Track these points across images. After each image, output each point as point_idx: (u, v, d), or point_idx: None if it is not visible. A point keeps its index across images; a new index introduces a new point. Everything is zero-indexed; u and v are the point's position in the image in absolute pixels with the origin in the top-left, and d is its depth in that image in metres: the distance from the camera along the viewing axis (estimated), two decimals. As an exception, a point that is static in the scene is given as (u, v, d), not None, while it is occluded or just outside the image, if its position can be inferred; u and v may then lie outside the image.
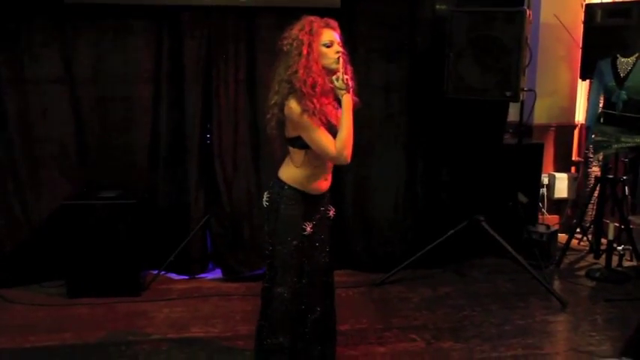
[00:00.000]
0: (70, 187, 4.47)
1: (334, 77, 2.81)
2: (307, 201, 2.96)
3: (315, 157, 2.87)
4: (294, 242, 2.92)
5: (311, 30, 2.81)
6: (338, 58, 2.83)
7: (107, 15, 4.38)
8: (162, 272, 4.57)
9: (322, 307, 3.10)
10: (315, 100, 2.74)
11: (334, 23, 2.90)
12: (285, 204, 2.91)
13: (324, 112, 2.81)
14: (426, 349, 3.63)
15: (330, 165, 2.98)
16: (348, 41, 4.41)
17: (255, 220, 4.63)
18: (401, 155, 4.81)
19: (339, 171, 4.66)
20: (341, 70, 2.80)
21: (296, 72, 2.76)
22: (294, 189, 2.92)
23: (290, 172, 2.93)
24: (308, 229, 2.97)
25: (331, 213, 3.12)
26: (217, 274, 4.71)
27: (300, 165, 2.90)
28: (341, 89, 2.80)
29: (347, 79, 2.81)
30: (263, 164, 4.61)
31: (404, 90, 4.75)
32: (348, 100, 2.80)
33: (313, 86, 2.74)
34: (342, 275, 4.65)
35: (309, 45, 2.80)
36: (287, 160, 2.96)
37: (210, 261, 4.79)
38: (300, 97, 2.74)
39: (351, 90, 2.82)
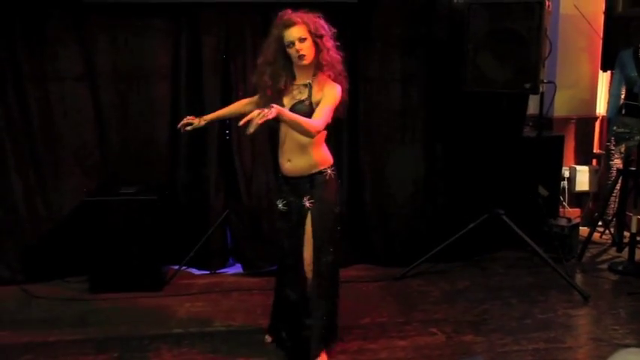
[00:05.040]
0: (92, 183, 4.52)
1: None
2: (282, 180, 3.27)
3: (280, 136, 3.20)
4: (276, 212, 3.35)
5: (274, 33, 3.08)
6: (300, 55, 3.00)
7: (126, 13, 4.41)
8: (183, 267, 4.61)
9: (297, 295, 3.26)
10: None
11: (295, 18, 3.00)
12: None
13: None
14: (447, 343, 3.62)
15: (287, 147, 3.15)
16: (365, 34, 4.51)
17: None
18: (419, 148, 4.80)
19: (357, 167, 4.71)
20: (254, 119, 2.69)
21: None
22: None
23: None
24: (279, 205, 3.30)
25: (307, 204, 3.17)
26: (238, 269, 4.74)
27: None
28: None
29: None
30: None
31: (422, 83, 4.73)
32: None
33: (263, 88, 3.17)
34: (362, 269, 4.69)
35: (268, 48, 3.10)
36: None
37: (231, 256, 4.81)
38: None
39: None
